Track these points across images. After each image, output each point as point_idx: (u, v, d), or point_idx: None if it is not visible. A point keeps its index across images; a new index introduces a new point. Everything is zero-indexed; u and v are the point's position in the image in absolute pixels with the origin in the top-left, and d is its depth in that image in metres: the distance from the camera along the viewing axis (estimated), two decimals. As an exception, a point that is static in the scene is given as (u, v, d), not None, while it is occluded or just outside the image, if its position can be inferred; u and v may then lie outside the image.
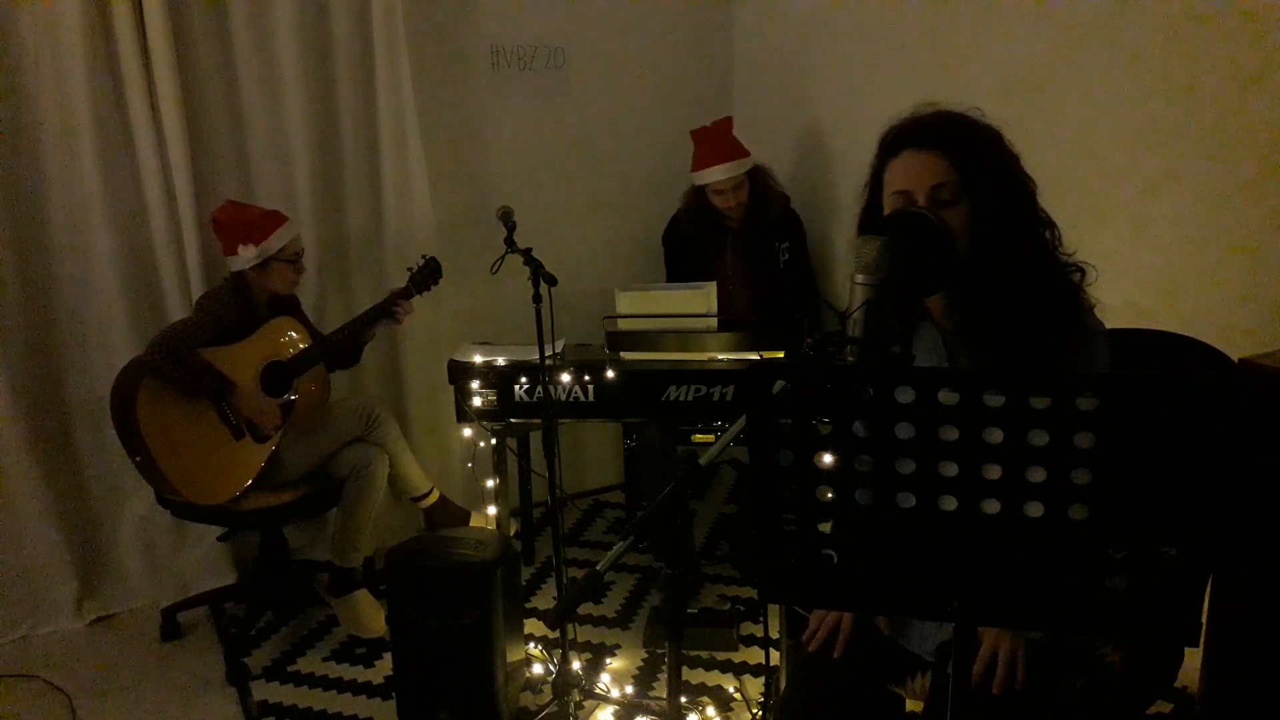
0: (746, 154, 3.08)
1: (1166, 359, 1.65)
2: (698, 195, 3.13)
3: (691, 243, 3.19)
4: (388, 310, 2.81)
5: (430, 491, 2.97)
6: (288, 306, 2.80)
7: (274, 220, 2.66)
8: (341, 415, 2.77)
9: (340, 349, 2.83)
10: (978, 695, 1.35)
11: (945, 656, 1.45)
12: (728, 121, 3.14)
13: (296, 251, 2.70)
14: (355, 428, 2.76)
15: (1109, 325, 1.43)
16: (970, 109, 1.42)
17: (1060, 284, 1.38)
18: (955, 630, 1.09)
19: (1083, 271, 1.41)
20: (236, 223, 2.62)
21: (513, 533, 3.20)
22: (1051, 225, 1.41)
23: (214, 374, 2.50)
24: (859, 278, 1.19)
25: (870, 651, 1.54)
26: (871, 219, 1.45)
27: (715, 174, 3.04)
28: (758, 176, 3.11)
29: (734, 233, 3.16)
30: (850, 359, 1.16)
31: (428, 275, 2.89)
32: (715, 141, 3.08)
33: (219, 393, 2.52)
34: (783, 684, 1.93)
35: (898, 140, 1.41)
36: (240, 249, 2.60)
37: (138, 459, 2.45)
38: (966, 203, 1.35)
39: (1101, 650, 1.46)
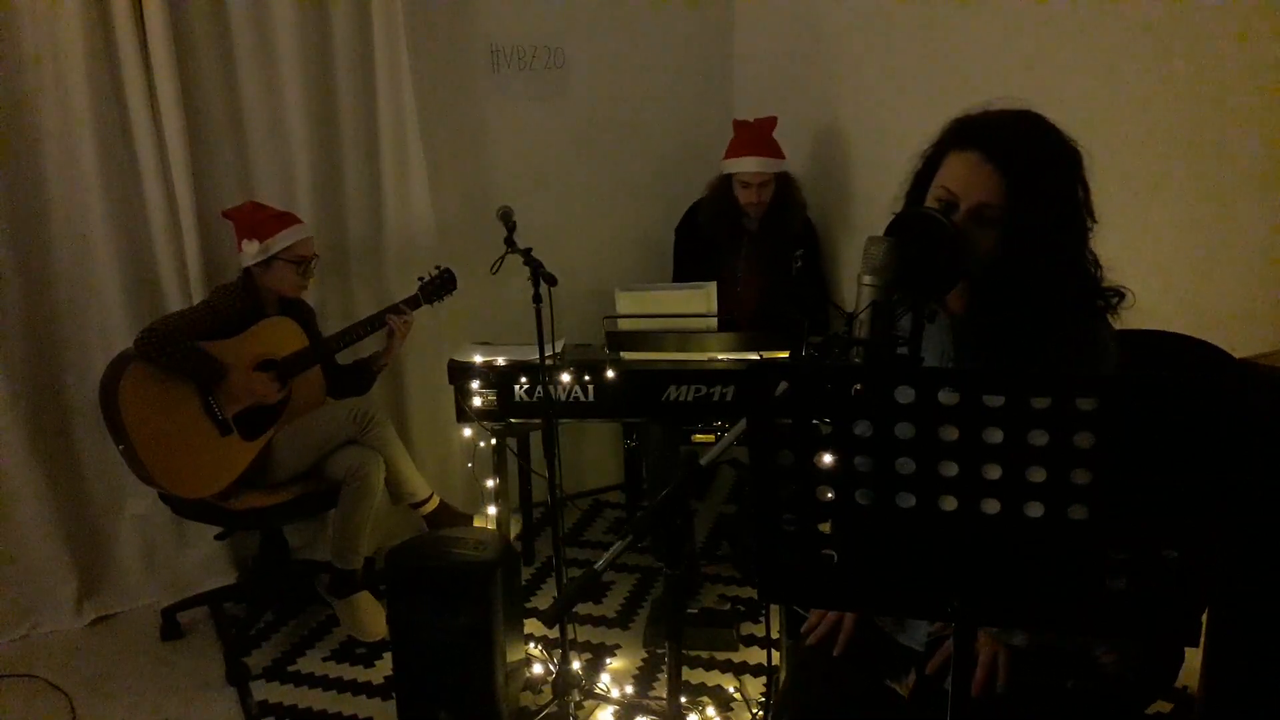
0: (782, 157, 3.08)
1: (1167, 359, 1.64)
2: (723, 184, 3.13)
3: (707, 238, 3.18)
4: (385, 321, 2.78)
5: (430, 498, 2.92)
6: (299, 312, 2.79)
7: (285, 221, 2.67)
8: (334, 416, 2.75)
9: (337, 355, 2.82)
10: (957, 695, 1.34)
11: (933, 648, 1.45)
12: (772, 120, 3.14)
13: (303, 255, 2.69)
14: (348, 429, 2.73)
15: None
16: (1057, 124, 1.33)
17: (1067, 315, 1.36)
18: (955, 631, 1.09)
19: (1121, 295, 1.38)
20: (246, 219, 2.64)
21: (514, 535, 3.20)
22: (1095, 265, 1.38)
23: (202, 355, 2.49)
24: (866, 279, 1.18)
25: (870, 647, 1.54)
26: (916, 199, 1.41)
27: (747, 164, 3.03)
28: (785, 184, 3.11)
29: (751, 234, 3.16)
30: (857, 360, 1.16)
31: (440, 286, 2.85)
32: (755, 135, 3.08)
33: (209, 374, 2.51)
34: (783, 684, 1.93)
35: (969, 135, 1.33)
36: (245, 244, 2.62)
37: (121, 447, 2.45)
38: (1002, 231, 1.30)
39: (1094, 653, 1.45)
